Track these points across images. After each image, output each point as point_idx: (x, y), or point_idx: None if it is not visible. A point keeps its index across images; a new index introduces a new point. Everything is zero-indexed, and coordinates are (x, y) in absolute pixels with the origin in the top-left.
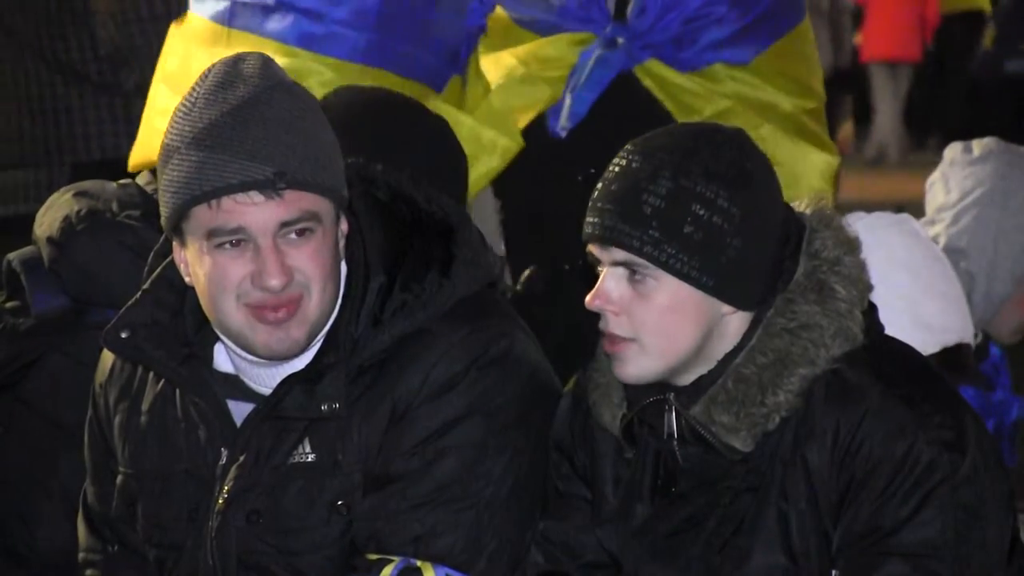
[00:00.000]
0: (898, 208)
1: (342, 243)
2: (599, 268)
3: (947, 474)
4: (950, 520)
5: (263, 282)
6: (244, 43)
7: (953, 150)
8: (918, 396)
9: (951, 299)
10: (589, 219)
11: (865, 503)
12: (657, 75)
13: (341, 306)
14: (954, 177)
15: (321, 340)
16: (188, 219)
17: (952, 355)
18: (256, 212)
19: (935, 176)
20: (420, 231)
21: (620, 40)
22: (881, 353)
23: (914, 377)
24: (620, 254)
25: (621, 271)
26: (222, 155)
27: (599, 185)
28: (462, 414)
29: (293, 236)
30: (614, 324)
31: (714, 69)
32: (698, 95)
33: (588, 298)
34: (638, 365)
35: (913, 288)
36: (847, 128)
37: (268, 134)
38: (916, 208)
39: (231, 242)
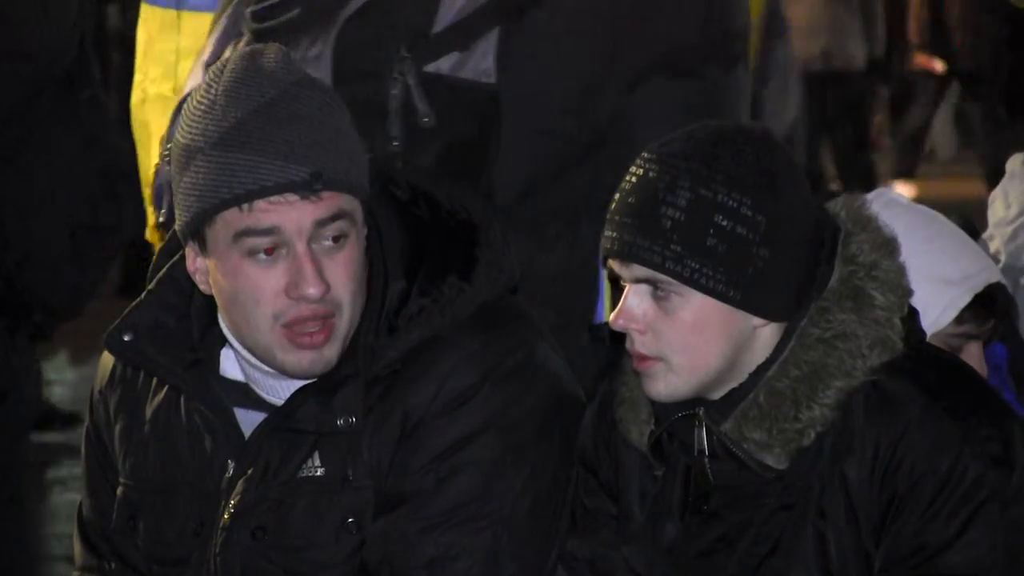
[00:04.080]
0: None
1: (364, 246)
2: (621, 283)
3: (995, 490)
4: (1000, 539)
5: (300, 291)
6: (196, 22)
7: (1015, 162)
8: (963, 408)
9: (960, 247)
10: (607, 233)
11: (908, 522)
12: None
13: (363, 314)
14: (1014, 190)
15: None
16: (213, 223)
17: (989, 299)
18: (291, 211)
19: (997, 189)
20: (439, 231)
21: None
22: (923, 362)
23: (958, 387)
24: (641, 271)
25: (644, 288)
26: (254, 156)
27: (616, 196)
28: (477, 429)
29: (328, 243)
30: (640, 343)
31: None
32: None
33: (612, 317)
34: (667, 384)
35: (919, 253)
36: (880, 121)
37: (301, 133)
38: (967, 208)
39: (265, 250)
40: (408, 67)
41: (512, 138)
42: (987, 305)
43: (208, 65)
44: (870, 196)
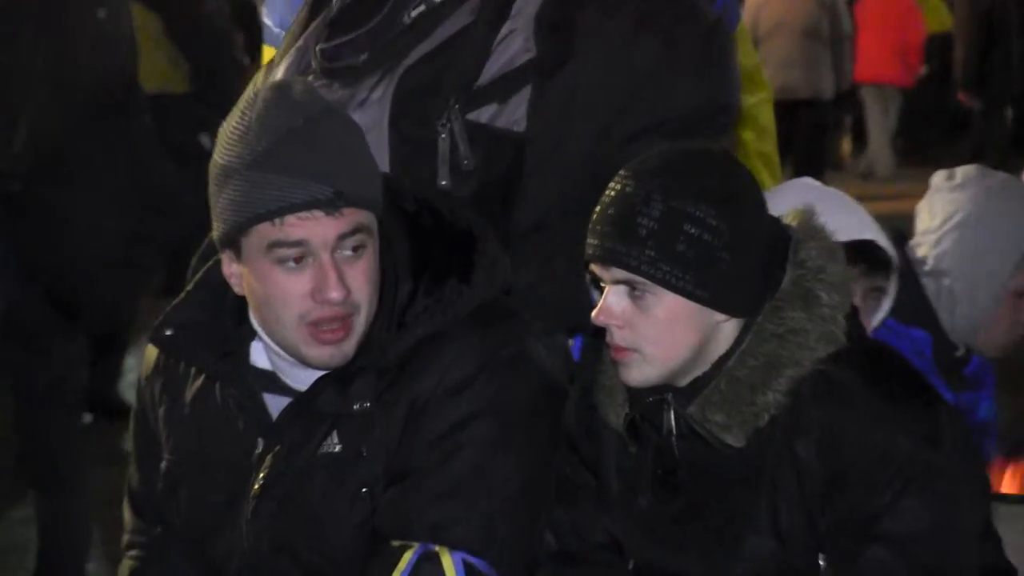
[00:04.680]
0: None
1: (378, 254)
2: (602, 284)
3: (925, 465)
4: (928, 508)
5: (324, 295)
6: None
7: (938, 177)
8: (897, 392)
9: (841, 211)
10: (590, 241)
11: (849, 492)
12: None
13: (376, 313)
14: (937, 202)
15: None
16: (249, 235)
17: (857, 251)
18: (316, 226)
19: (922, 202)
20: (442, 240)
21: None
22: (863, 354)
23: (894, 375)
24: (620, 273)
25: (622, 288)
26: (285, 176)
27: (597, 208)
28: (475, 413)
29: (348, 252)
30: (618, 336)
31: None
32: None
33: (594, 314)
34: (641, 372)
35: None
36: (845, 145)
37: (326, 156)
38: (902, 220)
39: (294, 259)
40: (455, 115)
41: (531, 179)
42: (863, 257)
43: None
44: (790, 182)
